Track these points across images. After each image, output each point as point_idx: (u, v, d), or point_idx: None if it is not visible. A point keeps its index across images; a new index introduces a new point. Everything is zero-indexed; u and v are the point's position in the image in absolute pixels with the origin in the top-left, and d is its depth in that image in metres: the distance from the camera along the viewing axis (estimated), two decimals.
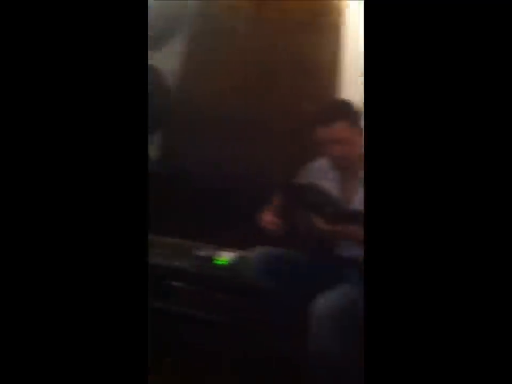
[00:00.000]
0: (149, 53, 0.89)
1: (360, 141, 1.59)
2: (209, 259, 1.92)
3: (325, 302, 1.35)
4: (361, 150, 1.59)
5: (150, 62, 0.98)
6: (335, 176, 1.68)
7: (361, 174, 1.58)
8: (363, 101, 0.81)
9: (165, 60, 2.19)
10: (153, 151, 2.13)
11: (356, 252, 1.55)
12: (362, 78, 1.78)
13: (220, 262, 1.94)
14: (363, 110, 0.83)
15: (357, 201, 1.57)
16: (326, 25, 2.01)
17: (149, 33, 0.85)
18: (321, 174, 1.72)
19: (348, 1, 1.97)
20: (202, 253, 1.94)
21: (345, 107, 1.60)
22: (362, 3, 1.86)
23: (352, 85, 1.95)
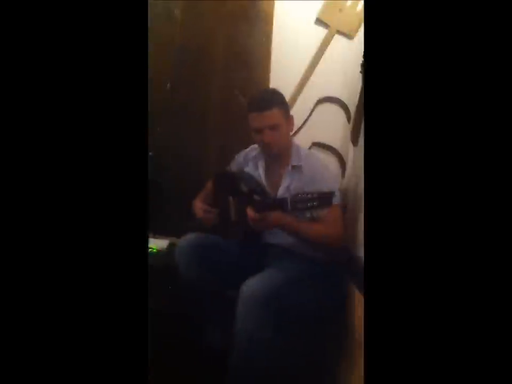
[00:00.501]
0: None
1: (289, 129, 1.67)
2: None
3: (251, 286, 1.38)
4: (290, 138, 1.70)
5: None
6: (264, 164, 1.72)
7: (288, 161, 1.64)
8: (363, 101, 0.81)
9: None
10: None
11: (281, 238, 1.62)
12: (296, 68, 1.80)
13: (150, 250, 1.93)
14: (362, 105, 0.84)
15: (282, 189, 1.64)
16: (257, 15, 2.02)
17: None
18: (252, 162, 1.76)
19: None
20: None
21: (278, 95, 1.65)
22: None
23: (281, 74, 1.99)
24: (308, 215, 1.33)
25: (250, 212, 1.36)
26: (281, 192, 1.63)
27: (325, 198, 1.26)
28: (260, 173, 1.71)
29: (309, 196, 1.26)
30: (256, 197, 1.48)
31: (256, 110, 1.58)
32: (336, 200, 1.44)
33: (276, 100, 1.62)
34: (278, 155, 1.66)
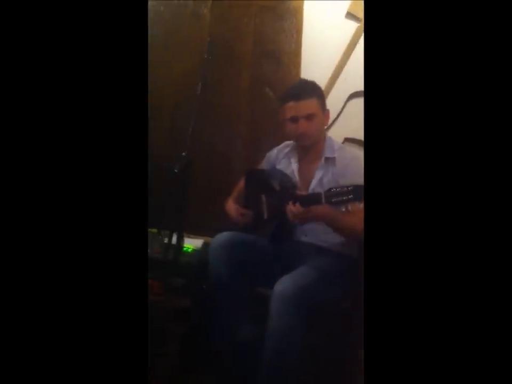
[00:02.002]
0: None
1: (325, 121, 1.65)
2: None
3: (283, 284, 1.37)
4: (324, 131, 1.68)
5: None
6: (298, 159, 1.71)
7: (321, 154, 1.63)
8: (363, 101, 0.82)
9: None
10: None
11: (312, 236, 1.60)
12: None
13: (185, 249, 1.96)
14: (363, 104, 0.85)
15: (314, 181, 1.62)
16: (286, 10, 2.01)
17: None
18: (285, 159, 1.76)
19: None
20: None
21: (315, 86, 1.65)
22: None
23: (312, 70, 1.97)
24: (343, 208, 1.29)
25: (291, 207, 1.33)
26: (313, 184, 1.62)
27: (360, 191, 1.22)
28: (293, 168, 1.70)
29: (344, 189, 1.23)
30: (290, 193, 1.47)
31: (293, 99, 1.58)
32: None
33: (313, 90, 1.62)
34: (311, 148, 1.65)
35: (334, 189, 1.25)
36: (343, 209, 1.29)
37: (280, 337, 1.33)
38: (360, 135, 2.00)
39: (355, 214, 1.31)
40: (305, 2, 1.97)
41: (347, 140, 2.00)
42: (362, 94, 1.97)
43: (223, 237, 1.62)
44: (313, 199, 1.30)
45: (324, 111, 1.65)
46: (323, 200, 1.26)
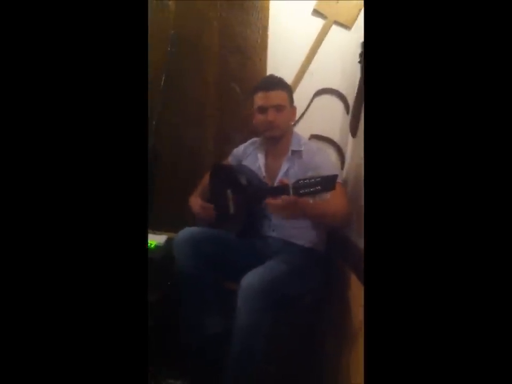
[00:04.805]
0: None
1: (292, 115, 1.67)
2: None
3: (250, 278, 1.36)
4: (291, 125, 1.69)
5: None
6: (264, 154, 1.71)
7: (288, 148, 1.64)
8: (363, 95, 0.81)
9: None
10: None
11: (279, 230, 1.60)
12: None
13: (149, 246, 1.91)
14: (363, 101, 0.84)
15: (281, 173, 1.63)
16: (252, 4, 2.00)
17: None
18: (251, 155, 1.75)
19: None
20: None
21: (284, 81, 1.68)
22: None
23: (278, 66, 1.96)
24: (311, 200, 1.29)
25: (271, 200, 1.30)
26: (280, 176, 1.62)
27: (328, 182, 1.22)
28: (259, 163, 1.71)
29: (312, 181, 1.23)
30: (257, 186, 1.46)
31: (263, 89, 1.61)
32: (338, 180, 1.42)
33: (282, 84, 1.65)
34: (278, 141, 1.66)
35: (302, 181, 1.24)
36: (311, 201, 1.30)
37: (248, 331, 1.32)
38: (326, 131, 2.02)
39: (329, 201, 1.31)
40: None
41: (313, 136, 2.01)
42: (329, 91, 2.00)
43: (188, 231, 1.60)
44: (281, 190, 1.29)
45: (292, 106, 1.66)
46: (290, 191, 1.25)
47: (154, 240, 1.99)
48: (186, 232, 1.59)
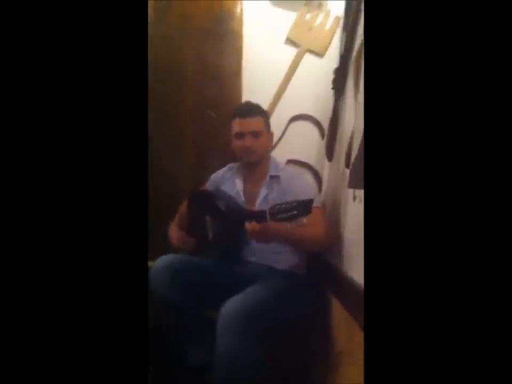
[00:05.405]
0: None
1: (269, 141, 1.68)
2: None
3: (231, 305, 1.34)
4: (269, 151, 1.71)
5: None
6: (242, 180, 1.71)
7: (266, 173, 1.65)
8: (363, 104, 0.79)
9: None
10: None
11: (260, 256, 1.59)
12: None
13: None
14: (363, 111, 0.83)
15: (259, 200, 1.63)
16: (226, 32, 2.03)
17: None
18: (229, 181, 1.75)
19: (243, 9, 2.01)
20: None
21: (261, 108, 1.71)
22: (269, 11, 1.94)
23: (253, 93, 1.99)
24: (288, 225, 1.29)
25: (249, 225, 1.29)
26: (259, 202, 1.62)
27: (304, 206, 1.23)
28: (237, 188, 1.71)
29: (288, 205, 1.23)
30: (235, 212, 1.45)
31: (240, 115, 1.63)
32: (316, 203, 1.43)
33: (259, 110, 1.67)
34: (256, 167, 1.68)
35: (278, 206, 1.24)
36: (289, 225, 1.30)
37: (232, 357, 1.29)
38: (302, 156, 2.04)
39: (305, 225, 1.31)
40: (244, 25, 2.00)
41: (290, 161, 2.04)
42: (304, 117, 2.04)
43: (165, 259, 1.56)
44: (258, 216, 1.29)
45: (269, 131, 1.68)
46: (268, 217, 1.25)
47: None
48: (163, 260, 1.56)
